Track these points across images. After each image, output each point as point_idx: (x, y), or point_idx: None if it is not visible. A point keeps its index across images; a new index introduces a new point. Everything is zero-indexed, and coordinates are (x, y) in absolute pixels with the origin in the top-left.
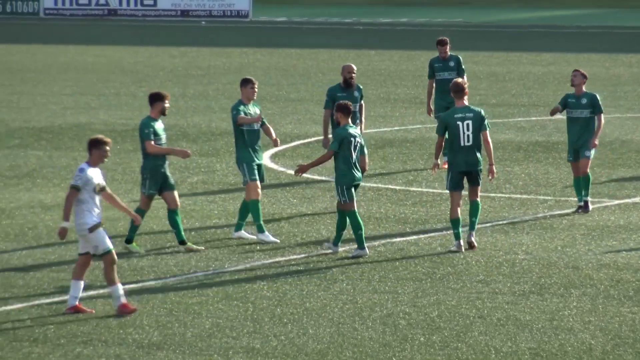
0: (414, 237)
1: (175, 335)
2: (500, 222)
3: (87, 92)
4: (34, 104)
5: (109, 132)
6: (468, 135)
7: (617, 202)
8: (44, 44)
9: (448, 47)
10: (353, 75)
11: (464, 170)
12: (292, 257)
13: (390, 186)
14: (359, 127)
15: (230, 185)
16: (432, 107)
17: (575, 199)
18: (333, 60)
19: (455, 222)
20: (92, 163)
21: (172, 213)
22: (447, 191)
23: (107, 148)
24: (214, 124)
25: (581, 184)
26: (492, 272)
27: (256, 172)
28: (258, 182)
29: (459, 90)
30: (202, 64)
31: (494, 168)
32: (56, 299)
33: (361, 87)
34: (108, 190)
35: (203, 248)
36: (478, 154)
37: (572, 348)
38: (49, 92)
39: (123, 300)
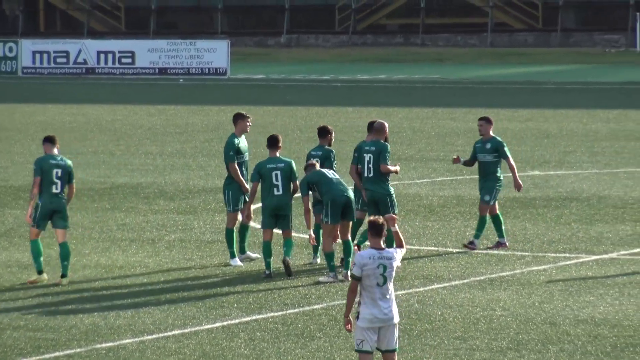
0: None
1: None
2: (478, 278)
3: (65, 151)
4: (11, 163)
5: (86, 191)
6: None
7: (594, 257)
8: (21, 102)
9: None
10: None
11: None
12: (269, 314)
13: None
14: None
15: (207, 242)
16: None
17: (552, 255)
18: (311, 117)
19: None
20: None
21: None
22: (426, 248)
23: None
24: (192, 182)
25: None
26: (469, 329)
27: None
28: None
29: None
30: (180, 121)
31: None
32: (33, 359)
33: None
34: None
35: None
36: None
37: None
38: (27, 151)
39: None
